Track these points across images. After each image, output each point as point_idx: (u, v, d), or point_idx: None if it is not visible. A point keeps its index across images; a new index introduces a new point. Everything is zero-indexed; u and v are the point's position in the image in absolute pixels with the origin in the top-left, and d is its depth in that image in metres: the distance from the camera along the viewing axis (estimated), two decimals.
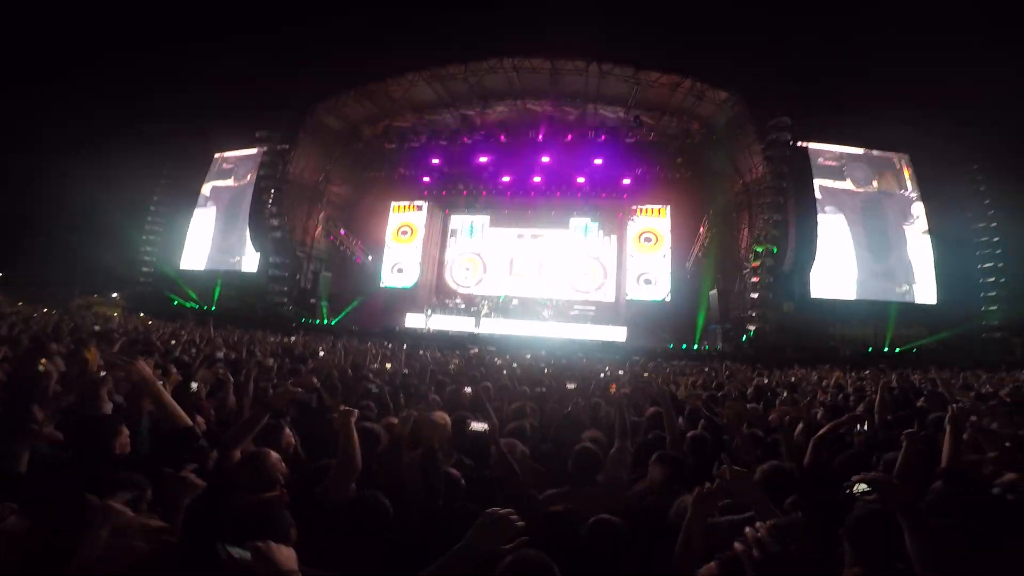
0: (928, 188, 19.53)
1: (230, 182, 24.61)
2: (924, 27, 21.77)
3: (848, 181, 19.70)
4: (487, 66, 19.59)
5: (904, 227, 19.31)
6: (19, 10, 23.50)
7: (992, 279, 18.84)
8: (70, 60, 27.49)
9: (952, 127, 19.00)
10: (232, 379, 3.48)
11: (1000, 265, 18.84)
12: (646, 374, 8.17)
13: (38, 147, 28.29)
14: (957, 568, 1.41)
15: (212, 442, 2.46)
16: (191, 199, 24.87)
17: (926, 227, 19.15)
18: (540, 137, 21.47)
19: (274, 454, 2.07)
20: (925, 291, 18.58)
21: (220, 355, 6.56)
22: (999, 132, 18.76)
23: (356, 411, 2.16)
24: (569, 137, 21.42)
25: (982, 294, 18.84)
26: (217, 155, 25.18)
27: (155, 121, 25.34)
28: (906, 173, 19.89)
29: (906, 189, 19.74)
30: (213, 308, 22.11)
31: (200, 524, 1.72)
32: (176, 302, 22.70)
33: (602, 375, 7.25)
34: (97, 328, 8.89)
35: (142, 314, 18.87)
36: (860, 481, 1.56)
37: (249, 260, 22.69)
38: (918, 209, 19.42)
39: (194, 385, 3.26)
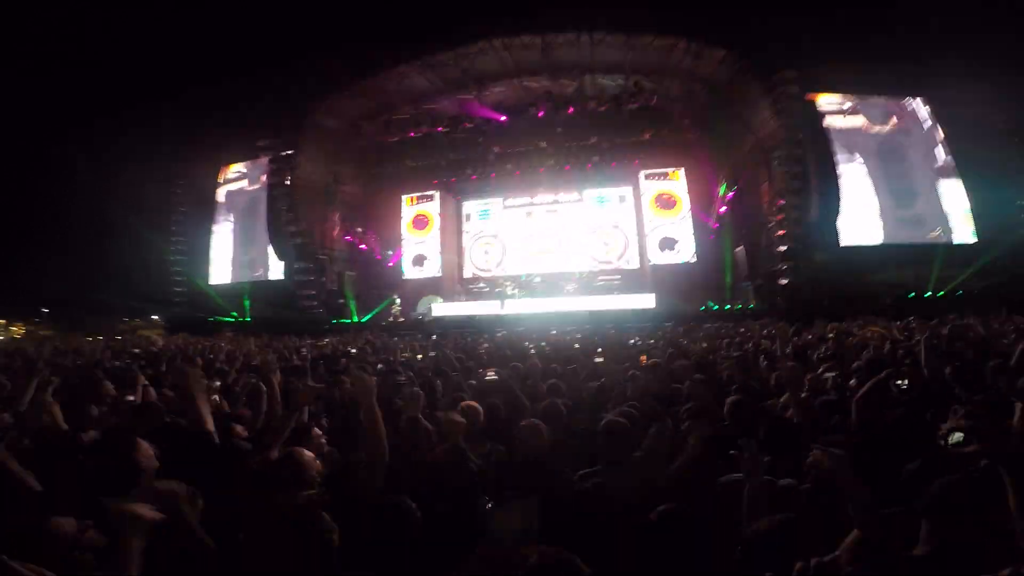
0: (950, 127, 18.29)
1: (244, 184, 25.14)
2: None
3: (861, 116, 18.70)
4: (477, 48, 19.21)
5: (928, 168, 18.26)
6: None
7: None
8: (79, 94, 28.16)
9: (968, 65, 17.58)
10: (265, 385, 3.53)
11: None
12: (683, 340, 8.00)
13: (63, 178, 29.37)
14: None
15: (254, 447, 2.53)
16: (208, 213, 25.49)
17: (953, 165, 18.05)
18: (541, 113, 21.06)
19: (308, 453, 2.08)
20: (960, 232, 17.68)
21: (256, 363, 6.72)
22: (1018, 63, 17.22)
23: (373, 377, 2.15)
24: (571, 110, 20.94)
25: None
26: (223, 167, 25.65)
27: (163, 141, 25.78)
28: (924, 112, 18.76)
29: (924, 128, 18.63)
30: (248, 319, 22.75)
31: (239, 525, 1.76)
32: (212, 318, 23.40)
33: (631, 343, 7.15)
34: (137, 351, 9.23)
35: (183, 333, 19.53)
36: (955, 429, 1.42)
37: (274, 268, 23.23)
38: (940, 148, 18.30)
39: (215, 397, 3.33)
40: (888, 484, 1.87)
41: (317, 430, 2.53)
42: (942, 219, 17.88)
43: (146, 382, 4.38)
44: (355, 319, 21.76)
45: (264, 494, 1.97)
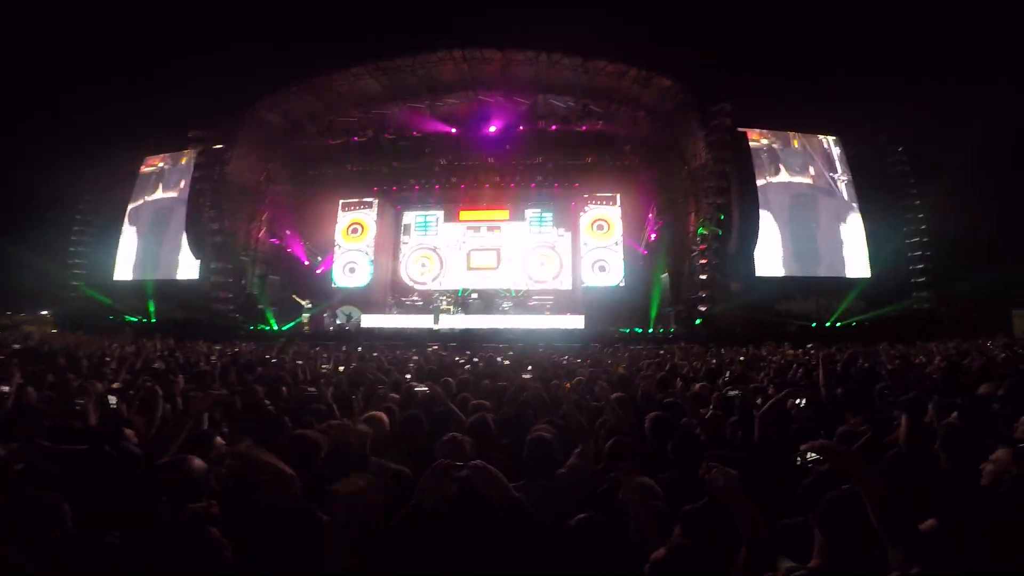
0: (857, 169, 20.56)
1: (159, 193, 22.92)
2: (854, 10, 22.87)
3: (783, 170, 20.31)
4: (436, 58, 19.24)
5: (836, 218, 20.08)
6: None
7: (919, 252, 20.09)
8: None
9: (878, 108, 20.22)
10: (162, 391, 3.22)
11: (926, 240, 20.09)
12: (609, 361, 8.27)
13: None
14: (917, 535, 1.35)
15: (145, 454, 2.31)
16: (120, 207, 23.08)
17: (857, 211, 20.13)
18: (492, 129, 21.31)
19: (198, 461, 1.92)
20: (859, 269, 19.72)
21: (156, 366, 6.18)
22: (924, 113, 20.11)
23: (254, 446, 2.02)
24: (521, 128, 21.40)
25: (910, 267, 20.10)
26: (147, 158, 23.45)
27: (78, 125, 23.30)
28: (836, 156, 20.86)
29: (836, 172, 20.69)
30: (153, 320, 20.75)
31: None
32: (112, 316, 21.15)
33: (565, 361, 7.29)
34: (17, 346, 8.13)
35: (78, 331, 17.45)
36: (810, 449, 1.54)
37: (189, 267, 21.37)
38: (850, 195, 20.29)
39: (112, 400, 3.00)
40: (784, 498, 2.00)
41: (219, 438, 2.35)
42: (841, 259, 19.81)
43: (21, 380, 3.87)
44: (274, 326, 20.50)
45: (150, 504, 1.80)
